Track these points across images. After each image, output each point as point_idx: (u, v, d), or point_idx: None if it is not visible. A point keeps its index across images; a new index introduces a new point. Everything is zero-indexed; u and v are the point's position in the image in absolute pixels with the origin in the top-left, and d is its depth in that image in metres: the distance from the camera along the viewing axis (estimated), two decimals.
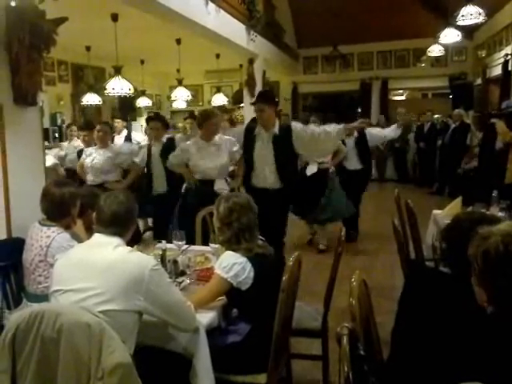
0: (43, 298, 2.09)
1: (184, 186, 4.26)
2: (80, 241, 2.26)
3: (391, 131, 5.83)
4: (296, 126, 3.96)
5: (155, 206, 4.62)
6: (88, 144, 4.99)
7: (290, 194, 4.02)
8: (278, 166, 3.84)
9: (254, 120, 4.32)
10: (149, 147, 4.67)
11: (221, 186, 4.02)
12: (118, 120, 7.16)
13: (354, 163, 5.67)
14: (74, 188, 2.45)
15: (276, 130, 3.87)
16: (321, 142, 3.82)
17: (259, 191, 3.83)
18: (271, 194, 3.84)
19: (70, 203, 2.36)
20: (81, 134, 5.34)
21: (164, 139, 4.61)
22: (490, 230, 1.31)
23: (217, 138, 4.01)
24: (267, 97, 3.98)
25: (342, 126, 3.80)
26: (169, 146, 4.47)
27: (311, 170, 5.34)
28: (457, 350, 1.40)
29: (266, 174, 3.89)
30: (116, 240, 1.82)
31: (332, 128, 3.81)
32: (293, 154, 3.92)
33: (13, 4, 2.41)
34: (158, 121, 4.70)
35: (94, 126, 4.93)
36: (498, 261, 1.26)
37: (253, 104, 4.01)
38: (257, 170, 3.93)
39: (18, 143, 2.80)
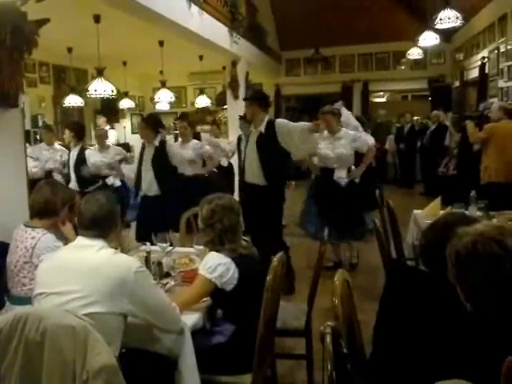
0: (27, 300, 2.07)
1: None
2: (68, 242, 2.25)
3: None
4: (279, 120, 4.12)
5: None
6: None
7: (277, 191, 4.12)
8: (262, 164, 3.96)
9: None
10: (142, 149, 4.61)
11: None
12: (100, 116, 7.02)
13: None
14: (66, 190, 2.45)
15: (262, 127, 3.99)
16: (292, 134, 3.90)
17: (249, 186, 4.10)
18: (259, 189, 4.00)
19: (59, 203, 2.35)
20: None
21: (156, 143, 4.42)
22: (466, 230, 1.35)
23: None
24: (250, 95, 4.22)
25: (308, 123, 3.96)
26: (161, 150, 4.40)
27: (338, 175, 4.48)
28: (437, 347, 1.44)
29: (254, 170, 4.03)
30: (99, 242, 1.82)
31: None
32: (279, 151, 3.97)
33: None
34: (143, 121, 4.61)
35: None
36: (467, 260, 1.31)
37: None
38: (246, 165, 4.11)
39: None
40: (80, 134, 5.28)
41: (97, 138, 5.41)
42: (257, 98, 4.07)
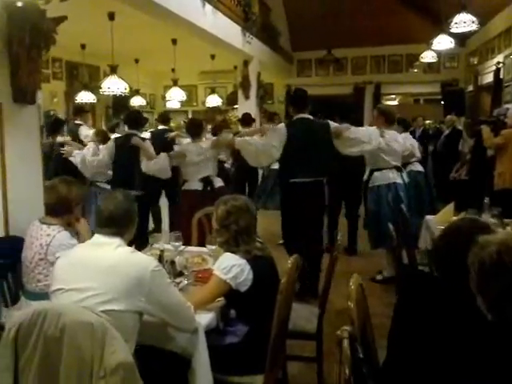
0: (42, 295, 2.10)
1: None
2: (82, 239, 2.27)
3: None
4: None
5: None
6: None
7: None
8: None
9: None
10: None
11: None
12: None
13: None
14: (80, 188, 2.47)
15: None
16: None
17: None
18: None
19: (73, 202, 2.37)
20: None
21: None
22: (487, 239, 1.34)
23: None
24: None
25: None
26: None
27: None
28: (451, 354, 1.43)
29: None
30: (116, 240, 1.83)
31: None
32: None
33: (19, 4, 2.40)
34: None
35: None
36: (492, 269, 1.30)
37: None
38: None
39: (16, 141, 2.78)
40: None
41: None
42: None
